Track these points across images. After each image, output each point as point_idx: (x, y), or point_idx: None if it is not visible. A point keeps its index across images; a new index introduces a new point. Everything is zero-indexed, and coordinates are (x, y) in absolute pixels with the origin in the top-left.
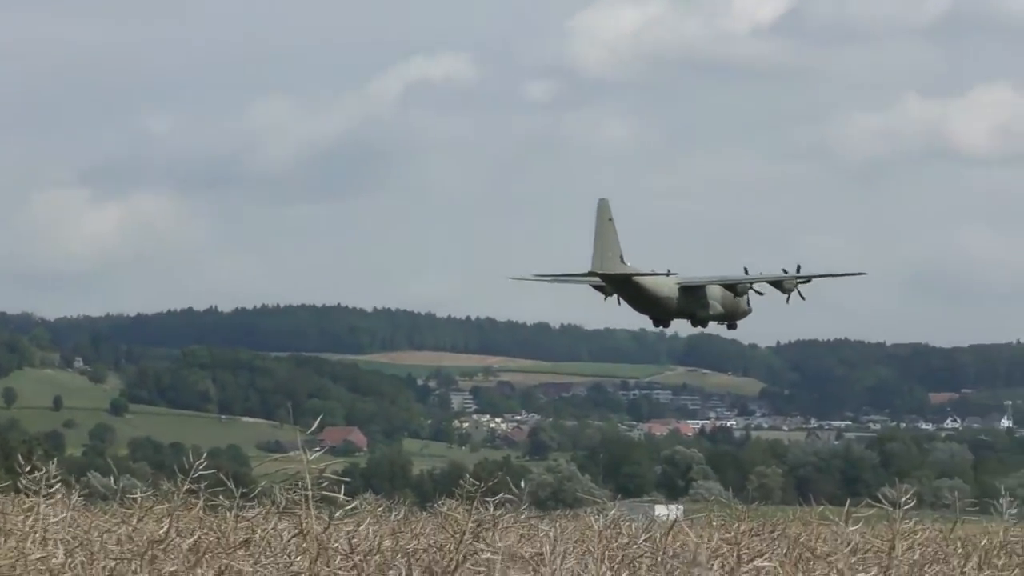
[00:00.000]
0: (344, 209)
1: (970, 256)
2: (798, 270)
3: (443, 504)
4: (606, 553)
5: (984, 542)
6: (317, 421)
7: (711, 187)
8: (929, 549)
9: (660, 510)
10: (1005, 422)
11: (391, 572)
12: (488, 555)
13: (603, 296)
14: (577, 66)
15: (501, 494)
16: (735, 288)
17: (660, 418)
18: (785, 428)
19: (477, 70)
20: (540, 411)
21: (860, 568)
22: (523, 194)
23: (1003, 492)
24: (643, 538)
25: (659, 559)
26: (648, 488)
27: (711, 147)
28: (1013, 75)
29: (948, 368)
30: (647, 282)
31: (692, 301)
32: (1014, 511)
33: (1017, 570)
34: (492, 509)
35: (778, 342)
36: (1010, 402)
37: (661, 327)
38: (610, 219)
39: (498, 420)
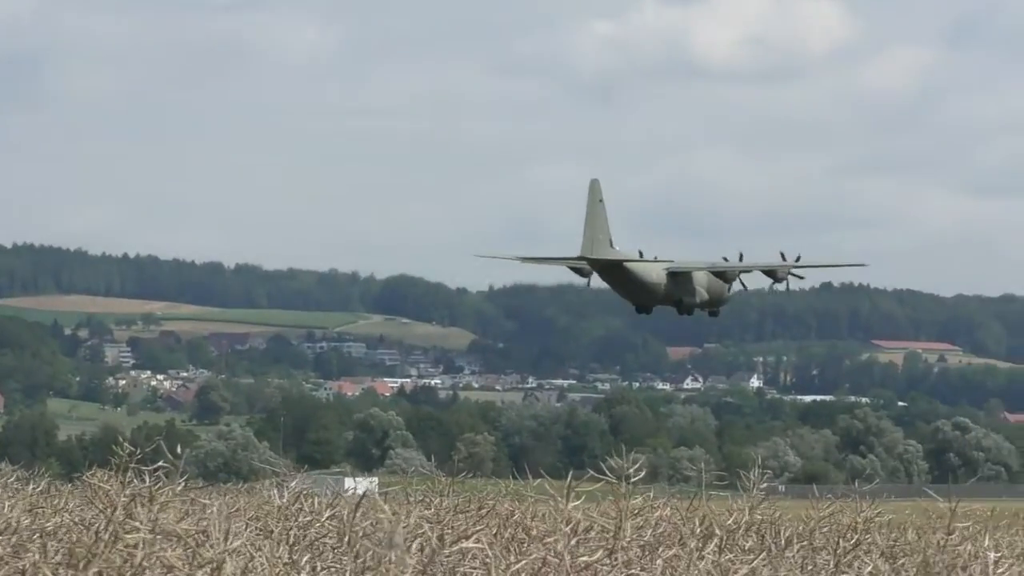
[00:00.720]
0: None
1: (715, 185)
2: (797, 260)
3: (93, 475)
4: (289, 533)
5: (729, 521)
6: None
7: (419, 104)
8: (663, 529)
9: (351, 483)
10: (754, 382)
11: (27, 555)
12: (143, 534)
13: (582, 278)
14: None
15: (160, 463)
16: (724, 275)
17: (352, 375)
18: (499, 388)
19: None
20: (210, 366)
21: (582, 551)
22: (199, 108)
23: (758, 461)
24: (328, 515)
25: (346, 540)
26: (337, 458)
27: (417, 58)
28: None
29: (689, 318)
30: (637, 268)
31: (679, 287)
32: (764, 485)
33: (764, 553)
34: (148, 480)
35: (491, 286)
36: (761, 358)
37: (643, 314)
38: (600, 200)
39: (161, 377)
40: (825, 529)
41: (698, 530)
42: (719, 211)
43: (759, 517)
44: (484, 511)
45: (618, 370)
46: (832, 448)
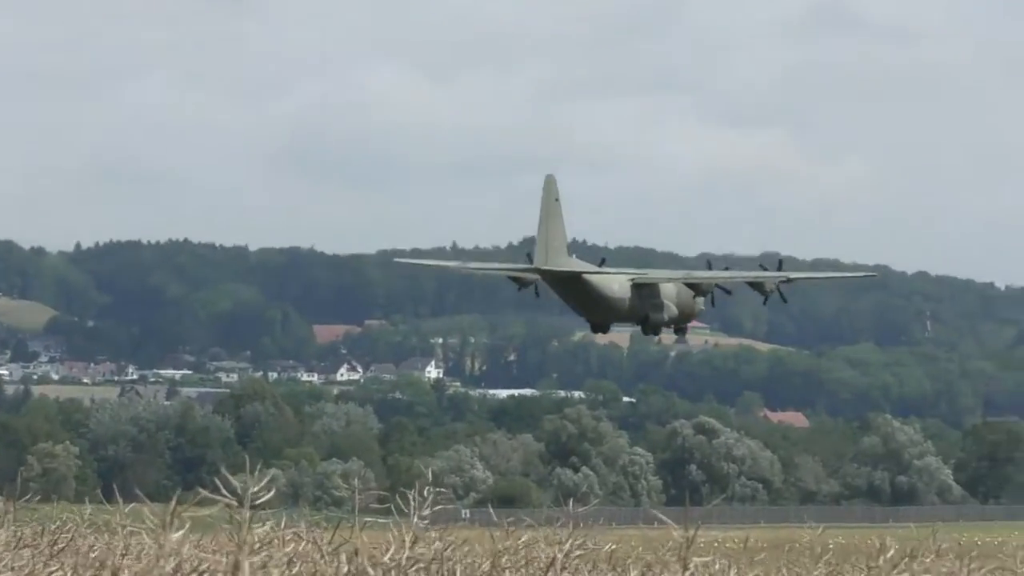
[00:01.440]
0: None
1: (382, 113)
2: (779, 266)
3: None
4: None
5: (386, 558)
6: None
7: None
8: (298, 568)
9: None
10: (432, 371)
11: None
12: None
13: (518, 287)
14: None
15: None
16: (699, 287)
17: None
18: (87, 381)
19: None
20: None
21: None
22: None
23: (430, 476)
24: None
25: None
26: None
27: None
28: None
29: (347, 287)
30: (596, 281)
31: (645, 302)
32: (437, 508)
33: None
34: None
35: (78, 244)
36: (440, 339)
37: (599, 332)
38: (556, 200)
39: None
40: (516, 565)
41: (346, 569)
42: (390, 149)
43: (429, 551)
44: (59, 546)
45: (249, 356)
46: (535, 459)
